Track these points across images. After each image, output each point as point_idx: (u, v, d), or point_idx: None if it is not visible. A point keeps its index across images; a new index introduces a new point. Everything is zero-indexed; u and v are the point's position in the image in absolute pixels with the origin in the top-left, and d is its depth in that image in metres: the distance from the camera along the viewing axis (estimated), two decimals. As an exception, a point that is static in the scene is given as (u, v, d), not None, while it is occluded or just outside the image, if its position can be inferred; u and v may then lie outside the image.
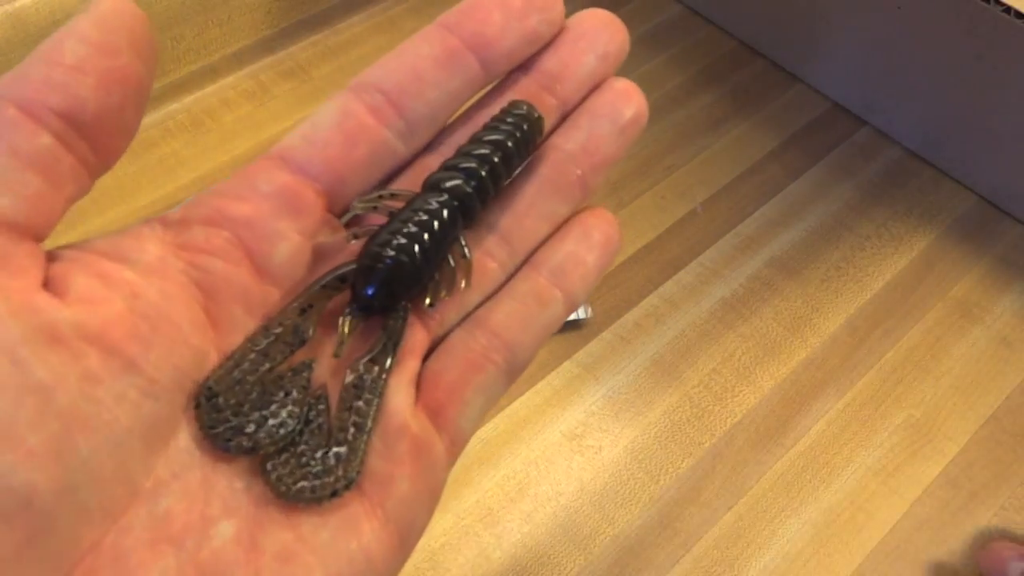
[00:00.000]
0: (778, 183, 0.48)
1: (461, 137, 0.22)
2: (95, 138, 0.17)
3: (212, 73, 0.50)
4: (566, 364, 0.41)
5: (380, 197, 0.21)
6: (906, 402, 0.40)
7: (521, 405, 0.39)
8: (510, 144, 0.21)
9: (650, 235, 0.46)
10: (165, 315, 0.18)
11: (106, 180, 0.50)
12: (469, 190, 0.21)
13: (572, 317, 0.41)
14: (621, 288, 0.43)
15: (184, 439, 0.18)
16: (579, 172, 0.23)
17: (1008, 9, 0.39)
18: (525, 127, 0.22)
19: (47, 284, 0.17)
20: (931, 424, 0.40)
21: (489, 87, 0.23)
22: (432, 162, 0.22)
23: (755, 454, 0.38)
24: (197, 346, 0.18)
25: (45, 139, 0.17)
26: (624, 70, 0.23)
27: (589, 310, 0.42)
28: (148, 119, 0.48)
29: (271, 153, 0.21)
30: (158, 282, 0.18)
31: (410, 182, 0.22)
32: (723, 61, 0.53)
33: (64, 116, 0.17)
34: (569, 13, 0.23)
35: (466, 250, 0.21)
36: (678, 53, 0.53)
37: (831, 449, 0.39)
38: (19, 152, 0.16)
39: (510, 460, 0.38)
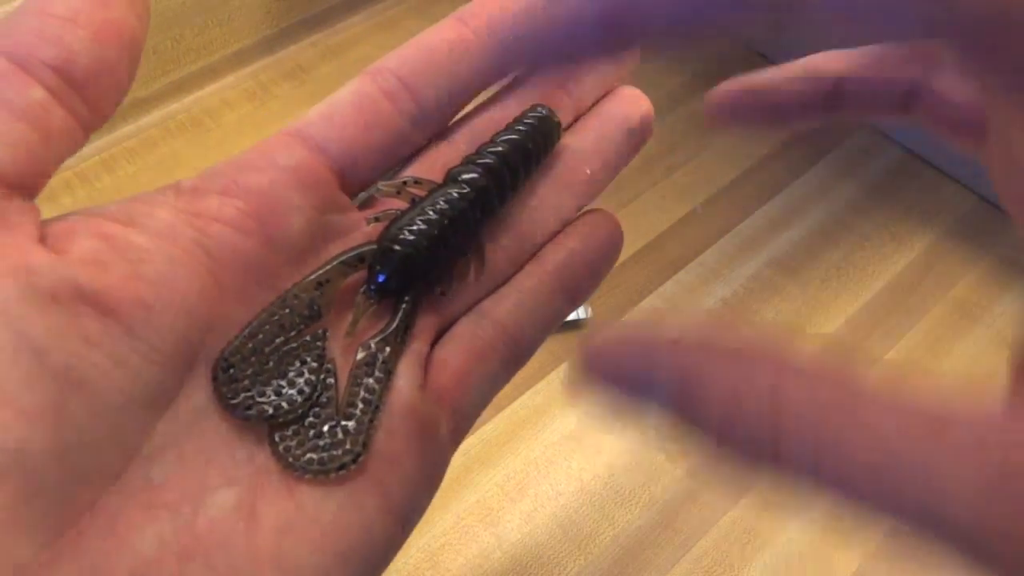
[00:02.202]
0: (778, 183, 0.48)
1: (476, 127, 0.23)
2: (88, 92, 0.17)
3: (212, 73, 0.50)
4: (566, 364, 0.41)
5: (404, 183, 0.21)
6: (906, 402, 0.40)
7: (521, 405, 0.39)
8: (530, 145, 0.22)
9: (650, 235, 0.46)
10: (171, 282, 0.17)
11: (105, 180, 0.50)
12: (489, 186, 0.21)
13: (572, 317, 0.41)
14: (621, 288, 0.43)
15: (185, 407, 0.18)
16: (588, 172, 0.23)
17: (1008, 9, 0.39)
18: (544, 130, 0.22)
19: (48, 242, 0.17)
20: (931, 424, 0.40)
21: (504, 82, 0.24)
22: (445, 150, 0.23)
23: (755, 454, 0.38)
24: (203, 315, 0.18)
25: (37, 92, 0.16)
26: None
27: (589, 310, 0.42)
28: (148, 119, 0.48)
29: (289, 129, 0.21)
30: (166, 248, 0.18)
31: (422, 169, 0.22)
32: (723, 61, 0.53)
33: (57, 69, 0.17)
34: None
35: (481, 243, 0.22)
36: (678, 53, 0.53)
37: (831, 449, 0.39)
38: (10, 105, 0.16)
39: (510, 460, 0.38)
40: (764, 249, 0.45)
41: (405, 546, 0.23)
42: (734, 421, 0.13)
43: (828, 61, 0.21)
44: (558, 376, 0.40)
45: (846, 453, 0.12)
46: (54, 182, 0.48)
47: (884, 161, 0.49)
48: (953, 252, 0.46)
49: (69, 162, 0.44)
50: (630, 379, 0.14)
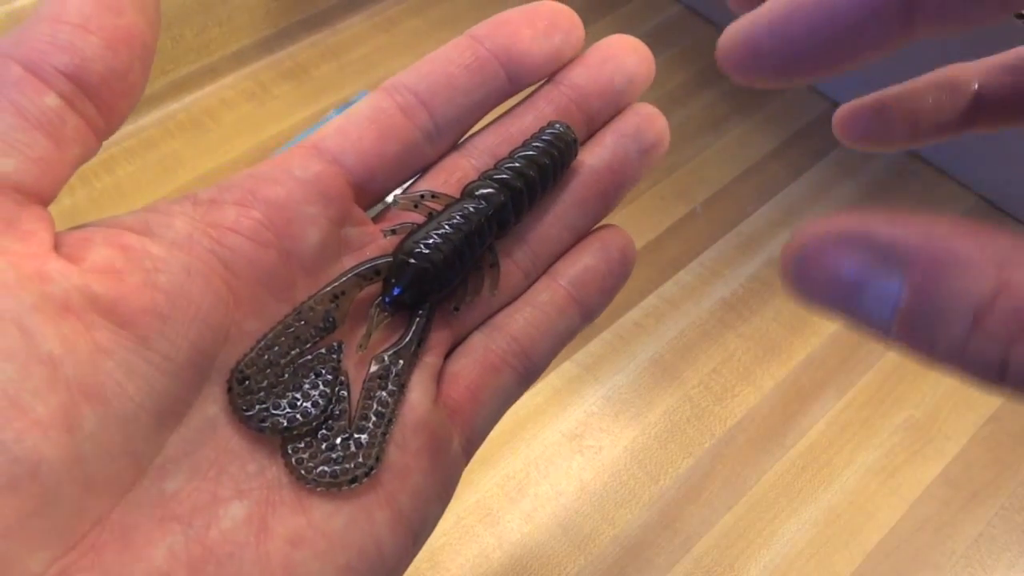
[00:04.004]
0: (778, 183, 0.48)
1: (491, 141, 0.23)
2: (101, 99, 0.17)
3: (212, 73, 0.50)
4: (566, 364, 0.41)
5: (421, 197, 0.22)
6: (906, 402, 0.40)
7: (521, 405, 0.39)
8: (547, 161, 0.22)
9: (650, 235, 0.45)
10: (186, 292, 0.17)
11: (105, 181, 0.50)
12: (506, 201, 0.22)
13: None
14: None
15: (198, 418, 0.17)
16: (602, 188, 0.24)
17: (1008, 9, 0.38)
18: (561, 146, 0.22)
19: (63, 250, 0.16)
20: (931, 424, 0.40)
21: (520, 97, 0.24)
22: (459, 163, 0.23)
23: (755, 454, 0.38)
24: (217, 325, 0.18)
25: (51, 99, 0.16)
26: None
27: (589, 310, 0.42)
28: (148, 119, 0.48)
29: (305, 143, 0.21)
30: (182, 258, 0.18)
31: (436, 181, 0.23)
32: (723, 61, 0.53)
33: (70, 76, 0.17)
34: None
35: (497, 259, 0.22)
36: (678, 53, 0.53)
37: (831, 449, 0.39)
38: (25, 112, 0.16)
39: (510, 460, 0.38)
40: (764, 249, 0.45)
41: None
42: (991, 311, 0.11)
43: (964, 71, 0.21)
44: (558, 376, 0.40)
45: None
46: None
47: (884, 161, 0.49)
48: (953, 252, 0.46)
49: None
50: (857, 274, 0.12)
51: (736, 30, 0.15)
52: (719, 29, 0.15)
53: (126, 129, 0.47)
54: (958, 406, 0.40)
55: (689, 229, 0.46)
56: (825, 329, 0.42)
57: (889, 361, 0.42)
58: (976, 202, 0.48)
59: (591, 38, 0.24)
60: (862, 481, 0.38)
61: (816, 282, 0.13)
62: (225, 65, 0.50)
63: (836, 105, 0.48)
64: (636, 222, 0.46)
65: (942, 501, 0.37)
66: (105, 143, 0.18)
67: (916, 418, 0.40)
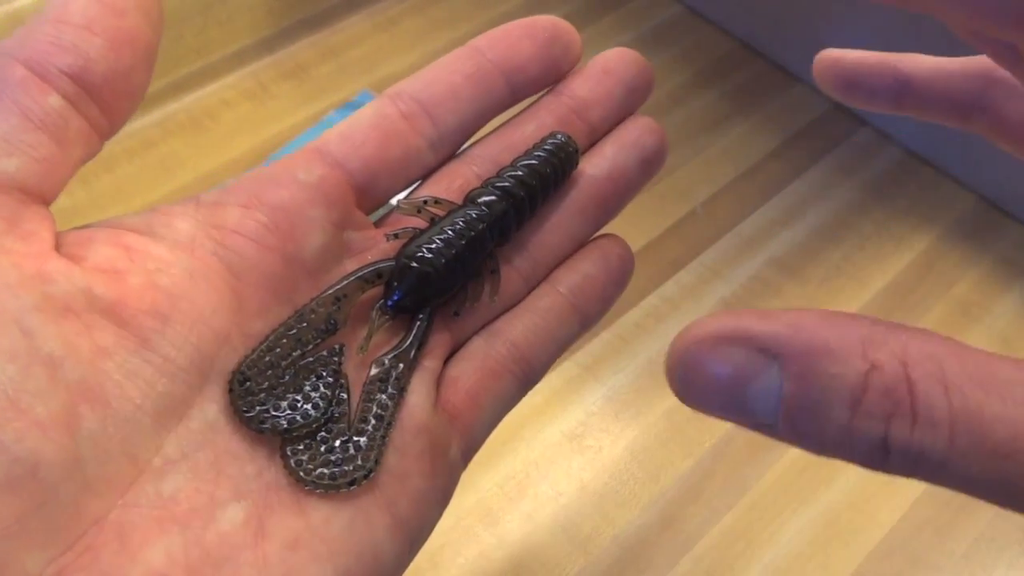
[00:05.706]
0: (778, 183, 0.48)
1: (491, 150, 0.24)
2: (104, 99, 0.17)
3: (212, 73, 0.50)
4: (566, 364, 0.41)
5: (424, 202, 0.22)
6: (906, 402, 0.40)
7: (521, 405, 0.39)
8: (548, 171, 0.22)
9: (650, 235, 0.45)
10: (188, 293, 0.17)
11: (104, 181, 0.50)
12: (507, 209, 0.22)
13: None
14: (621, 288, 0.43)
15: (198, 419, 0.17)
16: (603, 197, 0.24)
17: (1008, 9, 0.38)
18: (563, 156, 0.23)
19: (65, 250, 0.17)
20: (931, 424, 0.39)
21: (523, 106, 0.24)
22: (461, 170, 0.23)
23: (755, 454, 0.38)
24: (219, 327, 0.18)
25: (54, 100, 0.17)
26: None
27: (589, 310, 0.42)
28: (148, 119, 0.48)
29: (308, 148, 0.21)
30: (185, 259, 0.18)
31: (438, 186, 0.23)
32: (723, 61, 0.53)
33: (74, 77, 0.17)
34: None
35: (497, 265, 0.22)
36: (678, 53, 0.53)
37: (831, 449, 0.39)
38: (28, 113, 0.16)
39: (510, 460, 0.38)
40: (764, 249, 0.45)
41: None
42: (867, 391, 0.12)
43: (903, 60, 0.23)
44: (558, 376, 0.40)
45: (984, 425, 0.11)
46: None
47: (884, 161, 0.49)
48: (953, 252, 0.46)
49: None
50: (738, 374, 0.13)
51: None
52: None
53: (126, 129, 0.47)
54: (958, 406, 0.40)
55: (689, 229, 0.46)
56: (825, 329, 0.42)
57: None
58: (976, 202, 0.48)
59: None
60: (862, 481, 0.38)
61: (702, 389, 0.13)
62: (225, 65, 0.50)
63: (836, 105, 0.49)
64: (636, 222, 0.46)
65: (942, 501, 0.37)
66: (105, 142, 0.18)
67: (916, 418, 0.40)
